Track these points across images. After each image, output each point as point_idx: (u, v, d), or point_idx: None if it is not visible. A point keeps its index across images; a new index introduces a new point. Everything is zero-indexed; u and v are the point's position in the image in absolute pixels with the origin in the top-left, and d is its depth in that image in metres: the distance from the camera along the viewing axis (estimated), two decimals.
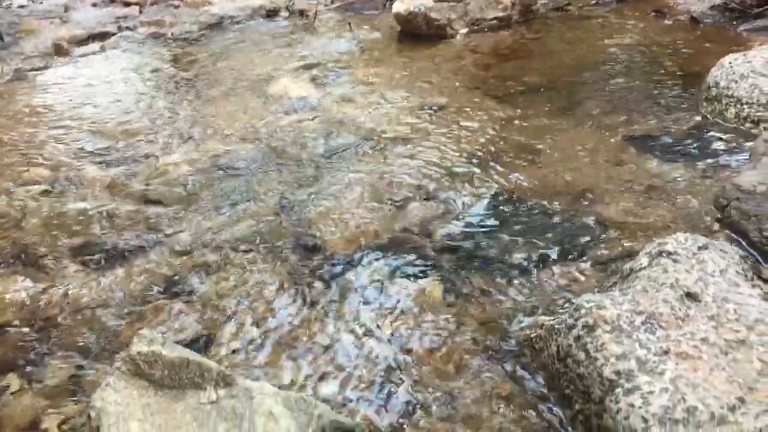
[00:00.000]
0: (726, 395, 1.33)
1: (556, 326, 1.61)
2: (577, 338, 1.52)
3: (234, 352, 1.86)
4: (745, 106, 2.75)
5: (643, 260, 1.77)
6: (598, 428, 1.44)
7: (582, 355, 1.49)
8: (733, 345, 1.45)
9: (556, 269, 2.07)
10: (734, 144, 2.65)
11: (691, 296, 1.56)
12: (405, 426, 1.58)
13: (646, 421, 1.30)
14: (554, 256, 2.13)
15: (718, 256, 1.73)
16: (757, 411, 1.30)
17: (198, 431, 1.42)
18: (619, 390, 1.37)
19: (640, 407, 1.32)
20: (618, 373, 1.40)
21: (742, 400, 1.33)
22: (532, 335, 1.74)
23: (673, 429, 1.27)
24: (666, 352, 1.41)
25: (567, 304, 1.84)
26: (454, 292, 2.01)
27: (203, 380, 1.52)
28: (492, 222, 2.33)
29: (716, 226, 2.18)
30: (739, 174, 2.27)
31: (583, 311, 1.54)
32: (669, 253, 1.73)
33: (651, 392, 1.34)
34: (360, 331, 1.89)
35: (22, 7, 6.04)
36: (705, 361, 1.40)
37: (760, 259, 1.98)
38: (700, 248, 1.75)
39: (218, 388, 1.51)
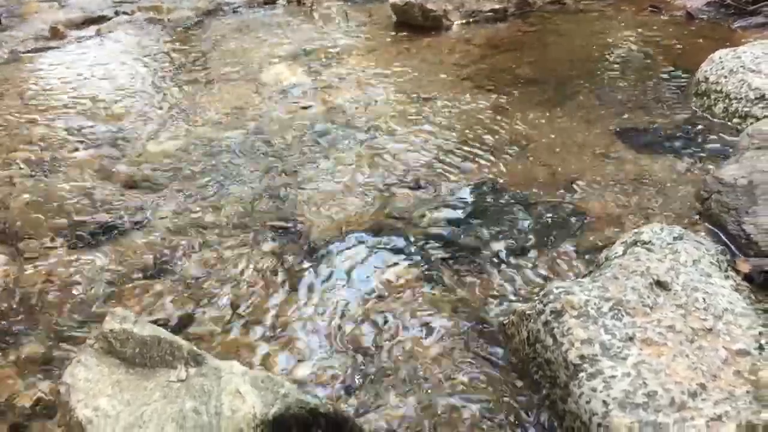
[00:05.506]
0: (688, 381, 1.33)
1: (527, 312, 1.61)
2: (546, 323, 1.52)
3: (210, 332, 1.87)
4: (733, 101, 2.75)
5: (618, 249, 1.78)
6: (563, 413, 1.45)
7: (549, 340, 1.50)
8: (700, 333, 1.46)
9: (537, 258, 2.07)
10: (720, 138, 2.66)
11: (660, 284, 1.56)
12: (371, 409, 1.59)
13: (606, 405, 1.31)
14: (537, 244, 2.13)
15: (693, 246, 1.74)
16: (718, 398, 1.31)
17: (166, 408, 1.43)
18: (582, 374, 1.38)
19: (601, 391, 1.33)
20: (582, 357, 1.40)
21: (703, 387, 1.33)
22: (505, 321, 1.75)
23: (633, 413, 1.27)
24: (631, 338, 1.42)
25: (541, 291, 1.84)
26: (434, 278, 2.02)
27: (174, 358, 1.53)
28: (477, 210, 2.34)
29: (697, 218, 2.18)
30: (721, 167, 2.27)
31: (551, 296, 1.55)
32: (644, 243, 1.74)
33: (613, 377, 1.34)
34: (337, 314, 1.90)
35: None
36: (669, 347, 1.41)
37: (738, 251, 1.98)
38: (675, 239, 1.76)
39: (189, 366, 1.52)
